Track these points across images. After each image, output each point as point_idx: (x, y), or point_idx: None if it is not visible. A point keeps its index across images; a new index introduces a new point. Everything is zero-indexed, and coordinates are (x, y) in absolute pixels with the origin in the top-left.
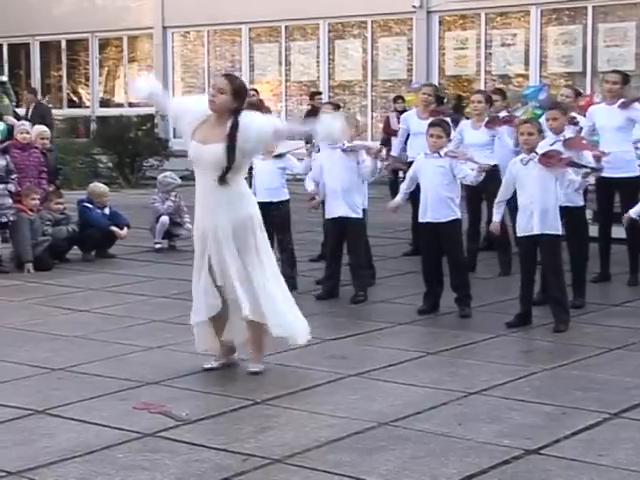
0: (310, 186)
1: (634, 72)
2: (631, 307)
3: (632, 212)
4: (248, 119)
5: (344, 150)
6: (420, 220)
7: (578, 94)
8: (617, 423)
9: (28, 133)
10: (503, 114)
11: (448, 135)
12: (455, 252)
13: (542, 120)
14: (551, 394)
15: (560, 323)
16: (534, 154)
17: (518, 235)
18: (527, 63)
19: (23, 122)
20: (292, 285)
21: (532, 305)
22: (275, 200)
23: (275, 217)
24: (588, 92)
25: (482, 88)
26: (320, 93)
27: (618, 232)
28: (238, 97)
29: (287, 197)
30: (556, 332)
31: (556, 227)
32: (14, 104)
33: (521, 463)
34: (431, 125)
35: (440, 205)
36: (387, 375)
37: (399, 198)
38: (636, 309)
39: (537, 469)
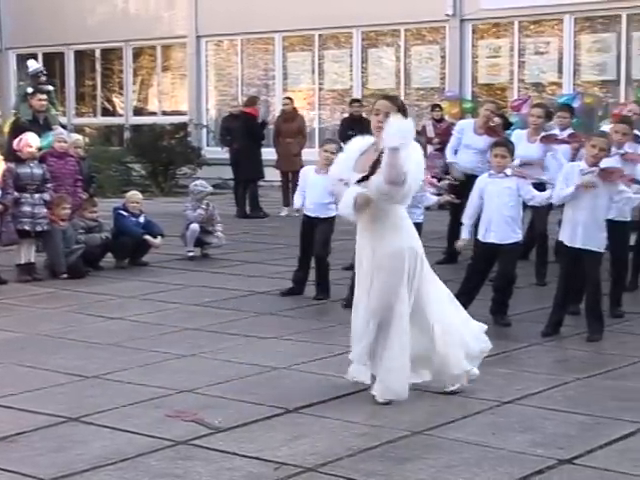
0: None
1: None
2: None
3: None
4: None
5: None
6: (481, 240)
7: None
8: None
9: (65, 142)
10: (568, 132)
11: (512, 154)
12: (510, 268)
13: None
14: (585, 404)
15: (594, 333)
16: (596, 168)
17: (562, 243)
18: (560, 71)
19: (61, 131)
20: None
21: (565, 314)
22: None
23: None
24: (622, 100)
25: (516, 97)
26: (358, 100)
27: None
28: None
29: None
30: (590, 341)
31: (600, 243)
32: (59, 114)
33: (554, 473)
34: (495, 145)
35: (504, 226)
36: (420, 383)
37: (466, 235)
38: None
39: (571, 479)
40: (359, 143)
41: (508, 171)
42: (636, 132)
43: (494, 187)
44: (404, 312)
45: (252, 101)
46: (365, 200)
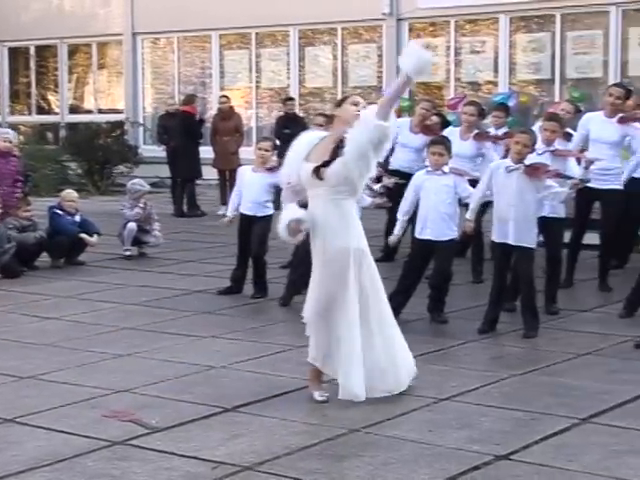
0: None
1: (601, 80)
2: (600, 313)
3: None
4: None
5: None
6: (418, 237)
7: (578, 111)
8: (586, 428)
9: (11, 142)
10: (503, 130)
11: (449, 152)
12: (446, 265)
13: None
14: (521, 400)
15: (530, 329)
16: (521, 164)
17: (493, 240)
18: (496, 70)
19: (7, 130)
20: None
21: (501, 311)
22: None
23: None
24: (557, 99)
25: (452, 95)
26: (293, 99)
27: (588, 239)
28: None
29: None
30: (526, 338)
31: (531, 239)
32: None
33: (491, 469)
34: (433, 143)
35: (440, 223)
36: None
37: (399, 230)
38: (604, 315)
39: (507, 474)
40: (308, 137)
41: (446, 168)
42: (568, 130)
43: (431, 184)
44: (350, 311)
45: (190, 99)
46: (297, 227)
